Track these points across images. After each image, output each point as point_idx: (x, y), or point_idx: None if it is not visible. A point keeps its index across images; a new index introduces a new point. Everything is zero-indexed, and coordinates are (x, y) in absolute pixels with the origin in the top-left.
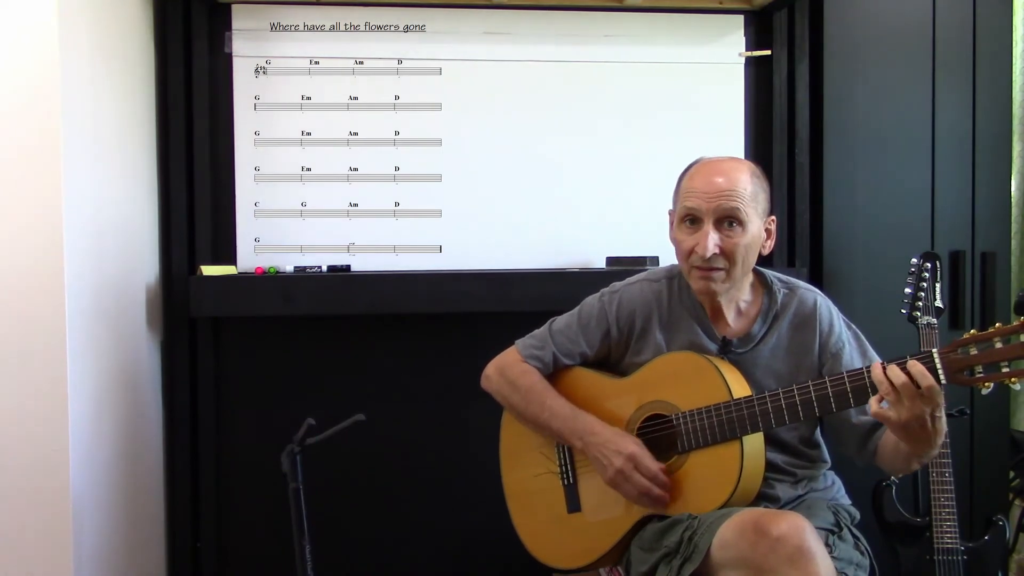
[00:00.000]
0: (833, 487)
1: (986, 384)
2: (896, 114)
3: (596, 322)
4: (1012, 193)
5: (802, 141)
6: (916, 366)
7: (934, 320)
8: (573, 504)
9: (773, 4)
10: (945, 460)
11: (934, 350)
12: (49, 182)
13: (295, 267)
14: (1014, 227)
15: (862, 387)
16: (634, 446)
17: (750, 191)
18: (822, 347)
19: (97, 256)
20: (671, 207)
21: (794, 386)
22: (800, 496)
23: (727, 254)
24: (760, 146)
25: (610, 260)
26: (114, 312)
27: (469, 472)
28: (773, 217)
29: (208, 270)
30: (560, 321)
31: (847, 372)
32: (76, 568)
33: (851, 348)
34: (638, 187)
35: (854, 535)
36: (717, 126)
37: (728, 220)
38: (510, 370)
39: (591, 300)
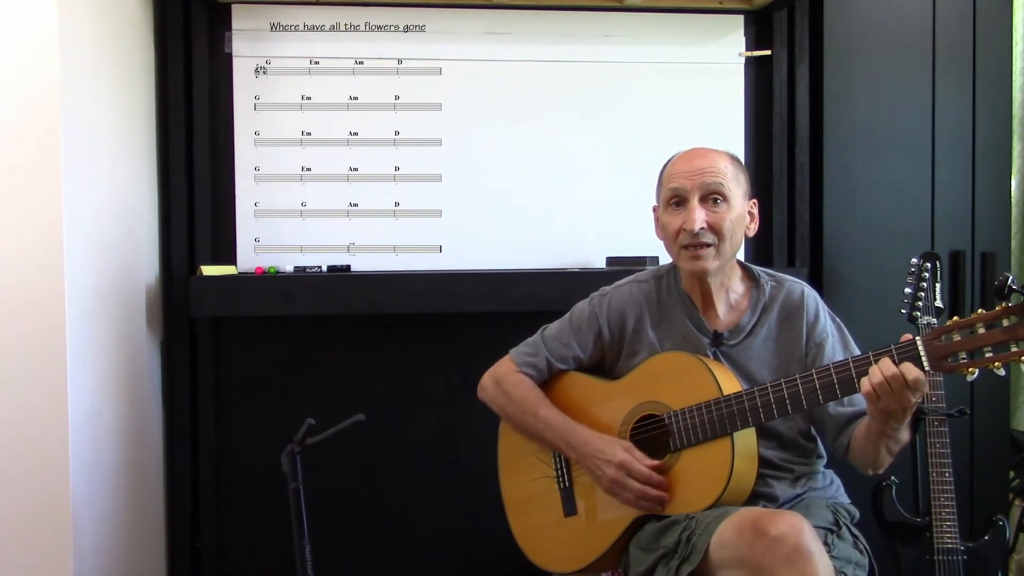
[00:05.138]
0: (832, 486)
1: (970, 370)
2: (896, 114)
3: (587, 325)
4: (1012, 193)
5: (802, 141)
6: (906, 365)
7: (934, 320)
8: (569, 508)
9: (773, 4)
10: (945, 460)
11: (917, 337)
12: (49, 182)
13: (295, 267)
14: (1014, 227)
15: (848, 379)
16: (623, 453)
17: (731, 171)
18: (808, 336)
19: (97, 256)
20: (655, 203)
21: (782, 380)
22: (799, 495)
23: (715, 228)
24: (760, 146)
25: (610, 260)
26: (114, 312)
27: (469, 472)
28: (755, 200)
29: (208, 270)
30: (552, 327)
31: (833, 364)
32: (76, 568)
33: (834, 340)
34: (638, 187)
35: (853, 534)
36: (717, 126)
37: (713, 197)
38: (505, 381)
39: (581, 305)
